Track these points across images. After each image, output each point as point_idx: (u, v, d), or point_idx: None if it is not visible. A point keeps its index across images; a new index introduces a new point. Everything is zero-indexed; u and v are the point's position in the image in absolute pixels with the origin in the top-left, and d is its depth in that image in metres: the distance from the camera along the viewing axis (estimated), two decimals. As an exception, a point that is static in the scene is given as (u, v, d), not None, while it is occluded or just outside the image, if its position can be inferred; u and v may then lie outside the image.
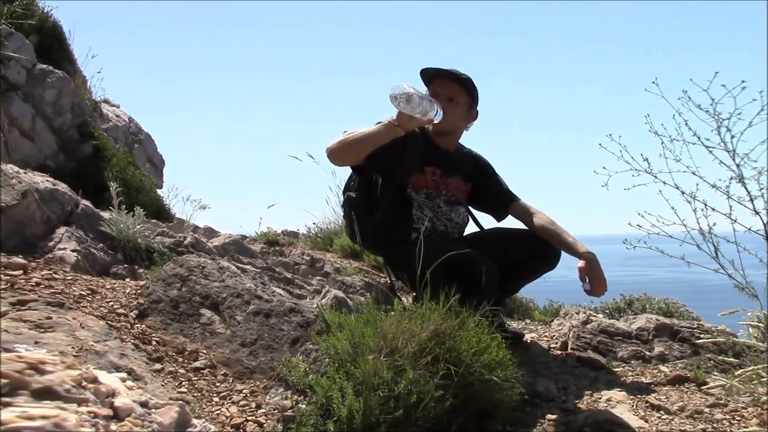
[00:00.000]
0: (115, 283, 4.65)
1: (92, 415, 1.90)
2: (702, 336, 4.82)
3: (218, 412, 3.28)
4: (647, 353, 4.81)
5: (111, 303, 4.14)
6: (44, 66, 9.26)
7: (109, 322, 3.80)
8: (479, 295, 3.82)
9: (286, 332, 3.98)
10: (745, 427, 3.50)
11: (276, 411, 3.28)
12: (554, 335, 5.40)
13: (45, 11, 10.24)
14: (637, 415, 3.67)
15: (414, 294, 5.01)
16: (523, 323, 6.37)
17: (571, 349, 4.94)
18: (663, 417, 3.68)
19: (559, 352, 4.97)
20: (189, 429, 2.26)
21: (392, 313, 3.60)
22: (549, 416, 3.67)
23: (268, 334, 3.97)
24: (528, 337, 5.37)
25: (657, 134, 3.91)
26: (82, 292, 4.15)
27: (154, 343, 3.80)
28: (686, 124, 3.85)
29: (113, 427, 1.93)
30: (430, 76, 4.85)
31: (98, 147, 9.33)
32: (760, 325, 4.37)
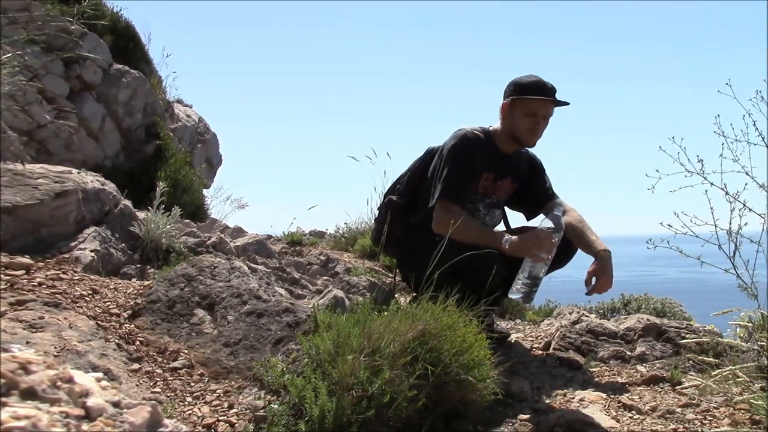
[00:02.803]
0: (120, 284, 4.74)
1: (64, 415, 1.89)
2: (688, 336, 4.82)
3: (190, 412, 3.32)
4: (628, 353, 4.84)
5: (108, 303, 4.23)
6: (120, 66, 9.43)
7: (99, 322, 3.89)
8: (479, 294, 3.89)
9: (272, 332, 4.02)
10: (716, 427, 3.52)
11: (248, 411, 3.31)
12: (540, 335, 5.42)
13: (115, 11, 10.39)
14: (608, 415, 3.70)
15: (414, 294, 5.08)
16: (513, 323, 6.38)
17: (554, 349, 4.96)
18: (634, 417, 3.71)
19: (540, 352, 5.00)
20: (160, 429, 2.28)
21: (385, 313, 3.64)
22: (521, 416, 3.69)
23: (254, 334, 4.03)
24: (514, 336, 5.40)
25: (723, 134, 3.93)
26: (84, 292, 4.24)
27: (137, 343, 3.88)
28: (754, 124, 3.88)
29: (84, 427, 1.92)
30: (533, 93, 4.76)
31: (160, 147, 9.52)
32: (749, 325, 4.40)
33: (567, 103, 4.82)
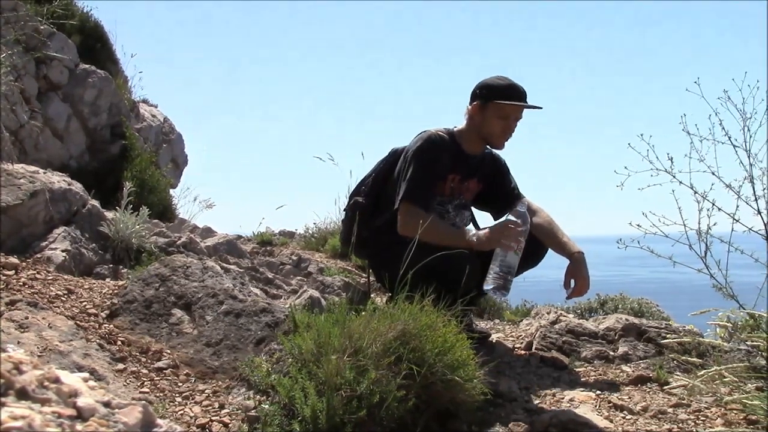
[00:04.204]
0: (94, 283, 4.71)
1: (56, 415, 1.87)
2: (668, 336, 4.83)
3: (182, 412, 3.29)
4: (611, 353, 4.83)
5: (84, 303, 4.19)
6: (87, 66, 9.38)
7: (78, 322, 3.84)
8: (454, 294, 3.86)
9: (252, 332, 4.01)
10: (710, 427, 3.52)
11: (240, 411, 3.29)
12: (521, 335, 5.41)
13: (85, 11, 10.37)
14: (600, 415, 3.69)
15: (389, 295, 5.06)
16: (492, 323, 6.38)
17: (536, 349, 4.95)
18: (627, 417, 3.71)
19: (523, 352, 4.99)
20: (155, 429, 2.25)
21: (363, 313, 3.62)
22: (513, 416, 3.67)
23: (235, 333, 4.00)
24: (494, 336, 5.39)
25: (689, 134, 3.97)
26: (59, 293, 4.21)
27: (119, 343, 3.83)
28: (720, 123, 3.93)
29: (78, 427, 1.88)
30: (507, 97, 4.75)
31: (126, 147, 9.50)
32: (729, 324, 4.41)
33: (540, 107, 4.83)
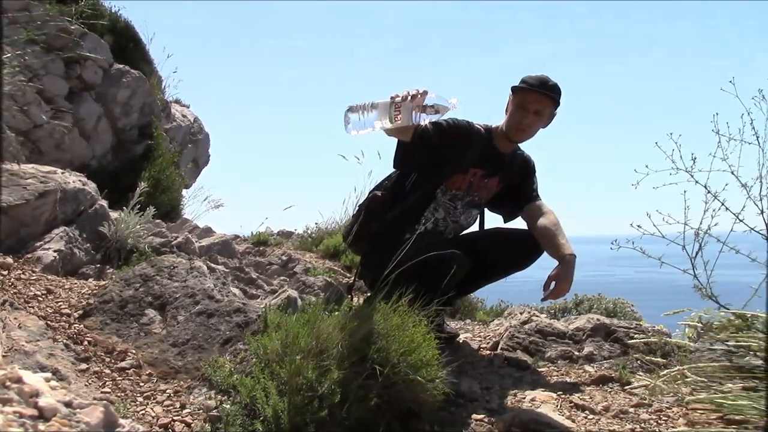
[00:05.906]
0: (75, 283, 4.75)
1: (18, 415, 1.89)
2: (636, 336, 4.88)
3: (143, 412, 3.30)
4: (576, 353, 4.88)
5: (60, 303, 4.23)
6: (121, 66, 9.45)
7: (48, 322, 3.88)
8: (432, 294, 3.89)
9: (221, 332, 4.03)
10: (673, 427, 3.55)
11: (201, 411, 3.31)
12: (489, 335, 5.46)
13: (113, 11, 10.41)
14: (562, 415, 3.72)
15: (368, 294, 5.07)
16: (463, 323, 6.42)
17: (502, 349, 4.99)
18: (589, 417, 3.75)
19: (488, 352, 5.03)
20: (117, 429, 2.28)
21: (336, 313, 3.66)
22: (475, 416, 3.70)
23: (203, 334, 4.03)
24: (462, 337, 5.42)
25: (718, 133, 3.98)
26: (38, 293, 4.27)
27: (85, 343, 3.87)
28: (752, 123, 3.93)
29: (41, 427, 1.89)
30: (518, 88, 4.73)
31: (150, 147, 9.59)
32: (698, 325, 4.45)
33: (558, 102, 4.76)
